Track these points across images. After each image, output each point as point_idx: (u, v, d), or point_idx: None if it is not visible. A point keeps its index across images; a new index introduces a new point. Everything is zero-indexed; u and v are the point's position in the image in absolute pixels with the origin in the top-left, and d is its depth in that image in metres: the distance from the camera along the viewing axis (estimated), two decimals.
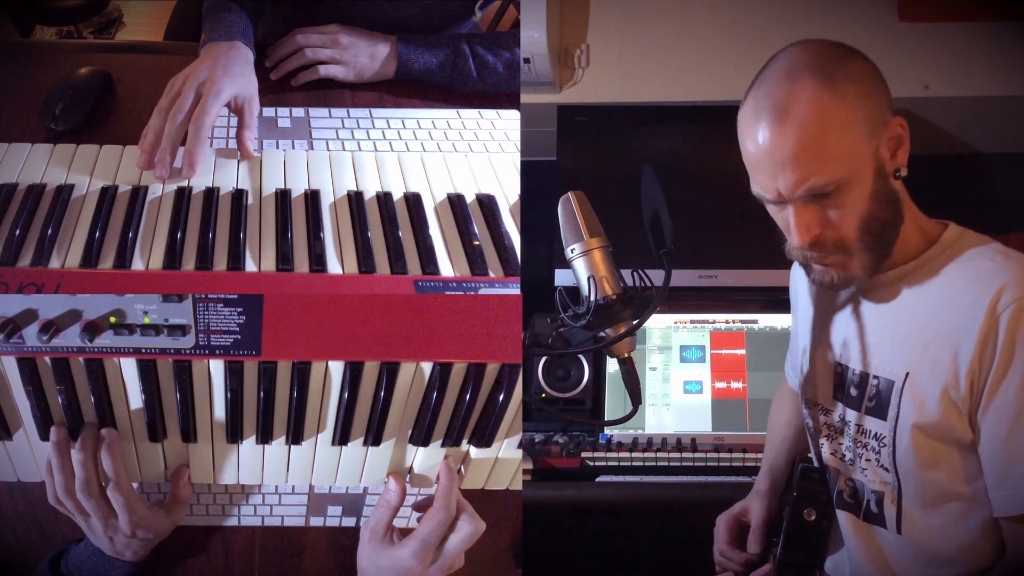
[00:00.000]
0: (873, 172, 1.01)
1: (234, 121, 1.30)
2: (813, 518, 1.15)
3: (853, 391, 1.13)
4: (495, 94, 1.46)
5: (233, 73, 1.28)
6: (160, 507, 1.11)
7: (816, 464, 1.22)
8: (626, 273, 1.07)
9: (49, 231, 1.09)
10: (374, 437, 1.09)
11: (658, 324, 1.97)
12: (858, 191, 1.00)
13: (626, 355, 1.07)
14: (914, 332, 1.05)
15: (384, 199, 1.20)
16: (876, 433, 1.09)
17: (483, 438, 1.10)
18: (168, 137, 1.20)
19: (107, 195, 1.15)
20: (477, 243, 1.14)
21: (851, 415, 1.13)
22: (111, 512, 1.05)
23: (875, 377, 1.10)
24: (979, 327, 0.98)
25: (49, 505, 1.06)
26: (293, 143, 1.31)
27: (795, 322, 1.31)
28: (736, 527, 1.27)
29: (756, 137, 1.00)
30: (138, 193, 1.16)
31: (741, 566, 1.24)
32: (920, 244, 1.08)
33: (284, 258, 1.09)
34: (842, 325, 1.16)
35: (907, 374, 1.05)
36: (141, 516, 1.06)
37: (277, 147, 1.30)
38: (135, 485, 1.13)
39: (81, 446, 1.03)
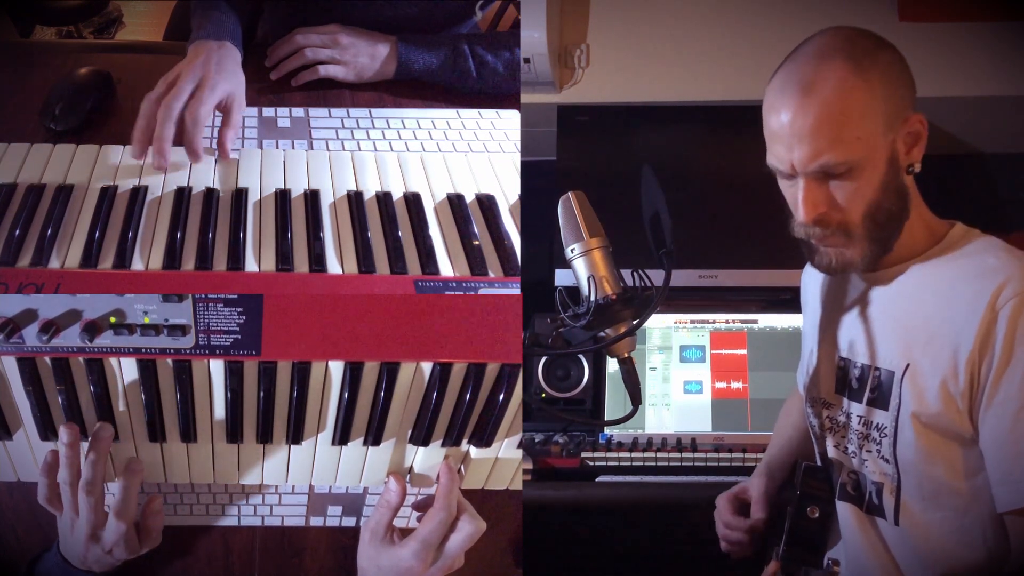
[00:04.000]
0: (886, 162, 1.03)
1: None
2: (817, 515, 1.16)
3: (855, 384, 1.13)
4: (495, 94, 1.46)
5: (226, 71, 1.29)
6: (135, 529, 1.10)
7: (819, 463, 1.22)
8: (626, 273, 1.07)
9: (49, 231, 1.09)
10: (374, 437, 1.09)
11: (658, 324, 1.97)
12: (868, 177, 1.02)
13: (626, 355, 1.07)
14: (916, 325, 1.06)
15: (384, 199, 1.20)
16: (878, 424, 1.10)
17: (483, 438, 1.10)
18: (163, 125, 1.20)
19: (107, 195, 1.15)
20: (477, 243, 1.14)
21: (854, 407, 1.14)
22: (102, 520, 1.04)
23: (876, 369, 1.10)
24: (979, 321, 0.99)
25: None
26: (293, 143, 1.31)
27: (805, 326, 1.31)
28: (737, 503, 1.28)
29: (779, 110, 1.02)
30: (138, 193, 1.16)
31: (747, 533, 1.24)
32: (926, 241, 1.09)
33: (284, 258, 1.09)
34: (849, 324, 1.16)
35: (907, 365, 1.06)
36: (126, 537, 1.05)
37: (277, 147, 1.30)
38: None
39: (93, 446, 1.03)
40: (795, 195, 1.05)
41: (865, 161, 1.01)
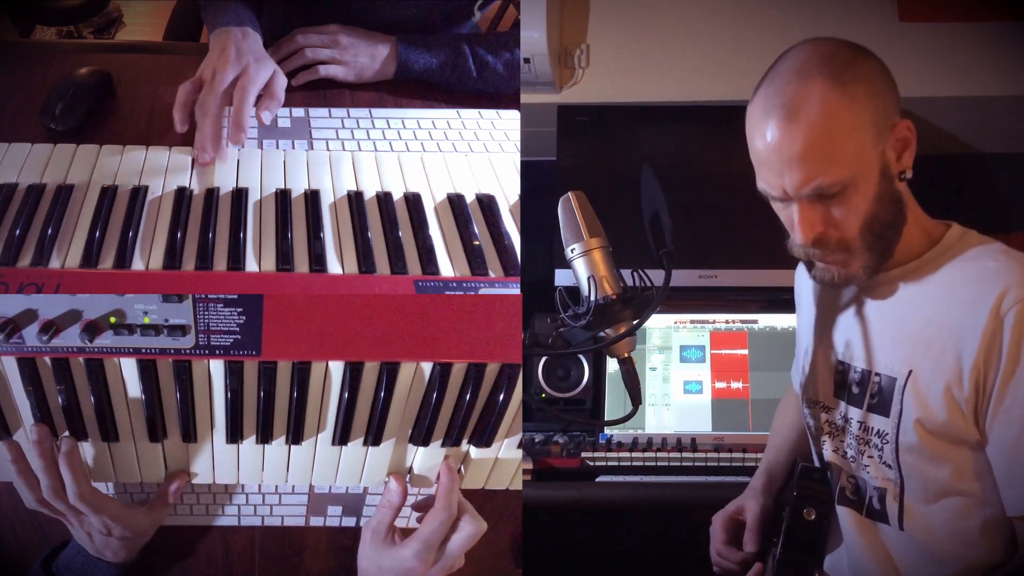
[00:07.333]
0: (878, 174, 1.02)
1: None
2: (813, 517, 1.15)
3: (855, 389, 1.13)
4: (495, 94, 1.46)
5: (260, 54, 1.30)
6: (141, 506, 1.10)
7: (817, 464, 1.22)
8: (626, 273, 1.07)
9: (49, 231, 1.09)
10: (374, 437, 1.09)
11: (658, 324, 1.97)
12: (863, 192, 1.01)
13: (626, 355, 1.07)
14: (916, 330, 1.06)
15: (384, 199, 1.20)
16: (879, 430, 1.09)
17: (483, 438, 1.10)
18: (239, 112, 1.24)
19: (107, 195, 1.15)
20: (477, 243, 1.14)
21: (853, 412, 1.13)
22: (80, 513, 1.04)
23: (877, 374, 1.10)
24: (983, 327, 0.98)
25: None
26: (293, 143, 1.31)
27: (799, 324, 1.31)
28: (732, 526, 1.28)
29: (764, 134, 1.01)
30: (138, 193, 1.16)
31: (738, 565, 1.24)
32: (923, 244, 1.09)
33: (284, 258, 1.09)
34: (845, 325, 1.16)
35: (910, 371, 1.06)
36: (113, 515, 1.06)
37: (277, 147, 1.30)
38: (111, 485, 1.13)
39: (38, 453, 1.02)
40: (790, 217, 1.04)
41: (858, 177, 1.00)
